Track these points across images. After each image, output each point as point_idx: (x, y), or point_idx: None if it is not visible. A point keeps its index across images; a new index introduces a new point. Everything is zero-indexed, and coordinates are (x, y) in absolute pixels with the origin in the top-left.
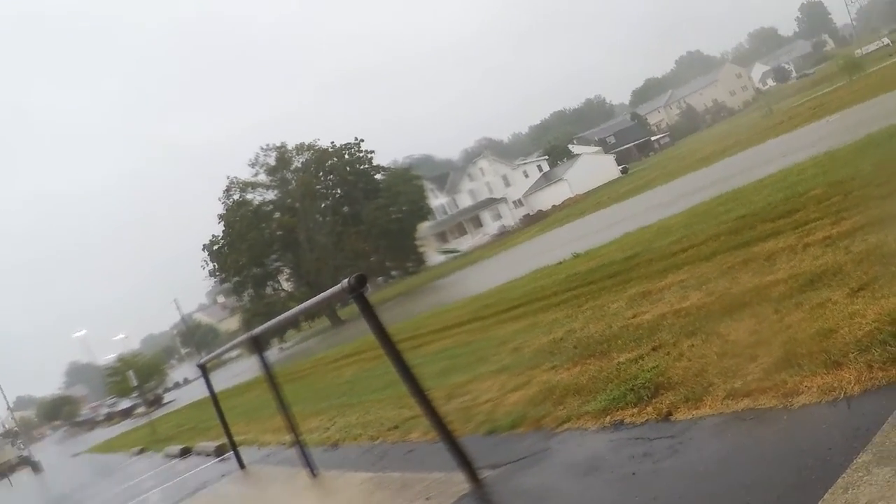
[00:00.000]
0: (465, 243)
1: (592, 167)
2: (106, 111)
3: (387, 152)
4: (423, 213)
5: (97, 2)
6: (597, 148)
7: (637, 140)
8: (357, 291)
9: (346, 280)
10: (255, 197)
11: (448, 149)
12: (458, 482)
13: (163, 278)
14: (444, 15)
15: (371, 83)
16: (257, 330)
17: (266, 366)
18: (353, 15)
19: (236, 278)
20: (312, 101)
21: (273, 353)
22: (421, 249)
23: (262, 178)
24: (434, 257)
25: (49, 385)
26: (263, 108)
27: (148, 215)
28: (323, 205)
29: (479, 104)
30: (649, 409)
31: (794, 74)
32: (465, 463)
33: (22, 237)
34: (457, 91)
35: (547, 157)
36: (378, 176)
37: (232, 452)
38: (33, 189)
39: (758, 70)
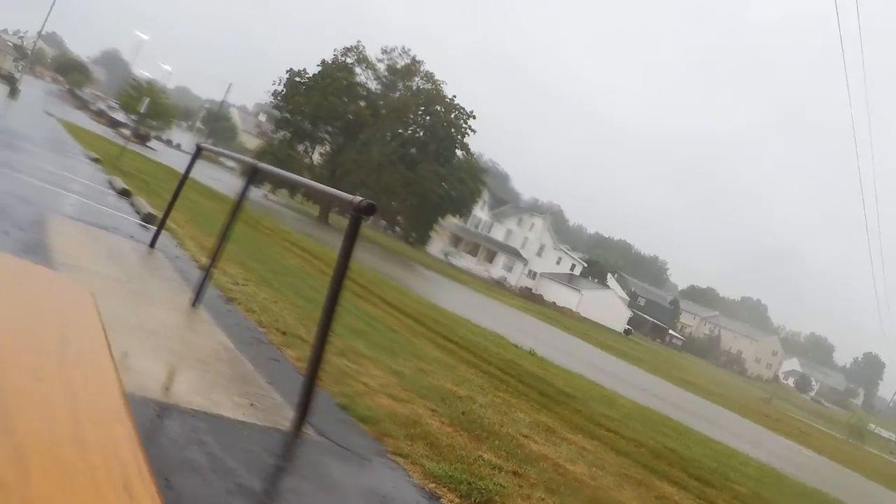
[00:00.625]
0: (464, 263)
1: (608, 305)
2: None
3: (481, 142)
4: (464, 210)
5: None
6: (625, 296)
7: (659, 321)
8: (357, 213)
9: (359, 198)
10: (362, 75)
11: (525, 187)
12: (286, 417)
13: (231, 62)
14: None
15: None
16: (263, 165)
17: (242, 195)
18: None
19: (287, 115)
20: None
21: (256, 193)
22: (433, 232)
23: (382, 67)
24: (436, 248)
25: (82, 47)
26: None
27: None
28: (400, 131)
29: (578, 179)
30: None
31: (812, 394)
32: (303, 408)
33: None
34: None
35: (586, 264)
36: (459, 151)
37: (155, 230)
38: None
39: (790, 364)
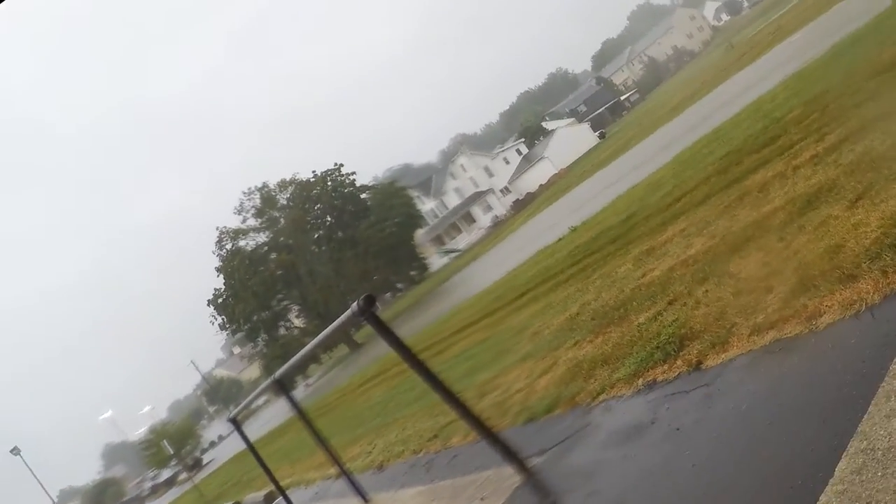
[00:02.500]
0: (462, 241)
1: (570, 140)
2: (67, 207)
3: (366, 171)
4: (416, 221)
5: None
6: (570, 119)
7: (607, 103)
8: (368, 312)
9: (354, 304)
10: (248, 242)
11: (425, 153)
12: (509, 476)
13: (176, 343)
14: (383, 32)
15: (328, 111)
16: (279, 372)
17: (295, 405)
18: (281, 54)
19: (247, 326)
20: (273, 140)
21: (299, 391)
22: (422, 257)
23: (252, 222)
24: (437, 262)
25: (88, 472)
26: (226, 163)
27: (148, 290)
28: (316, 235)
29: (445, 103)
30: (678, 362)
31: (746, 4)
32: (510, 455)
33: (30, 335)
34: (420, 96)
35: (523, 139)
36: (364, 195)
37: (281, 497)
38: (33, 285)
39: (710, 8)
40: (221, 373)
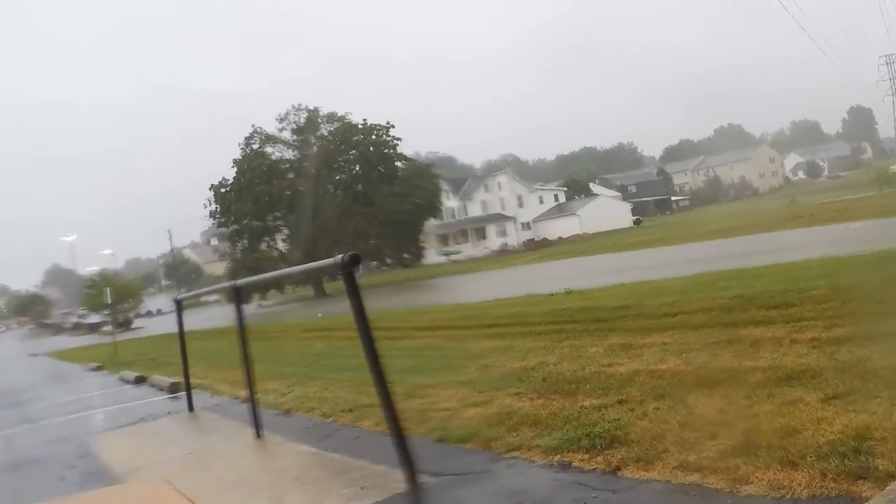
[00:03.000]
0: (465, 250)
1: (607, 210)
2: (127, 34)
3: (411, 144)
4: (434, 210)
5: None
6: (616, 193)
7: (658, 195)
8: (348, 269)
9: (340, 256)
10: (275, 152)
11: (472, 155)
12: (397, 480)
13: (161, 206)
14: (491, 22)
15: (412, 73)
16: (241, 281)
17: (240, 317)
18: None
19: (235, 226)
20: (346, 74)
21: (251, 308)
22: (421, 245)
23: (287, 135)
24: (432, 257)
25: (25, 280)
26: (295, 70)
27: (157, 140)
28: (338, 177)
29: (512, 119)
30: (600, 458)
31: (826, 173)
32: (407, 463)
33: (26, 140)
34: (492, 100)
35: (566, 188)
36: (399, 164)
37: (185, 393)
38: (39, 94)
39: (792, 160)
40: (190, 254)
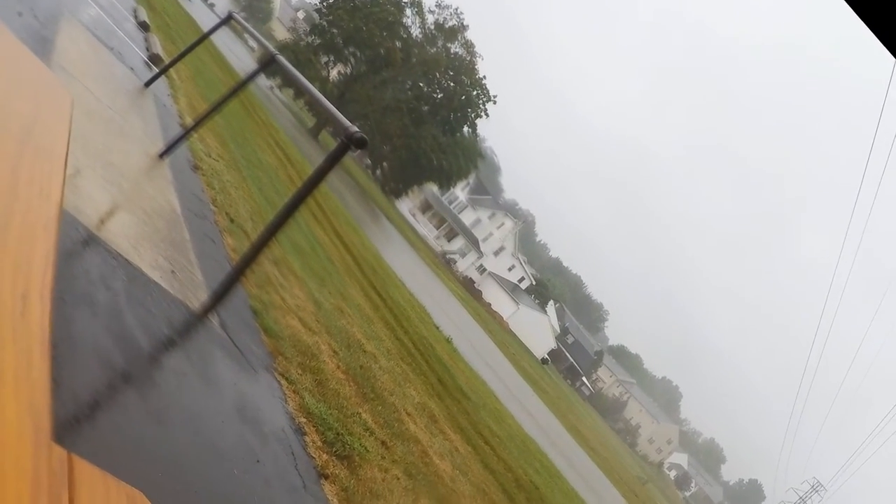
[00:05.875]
0: (425, 231)
1: (537, 329)
2: None
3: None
4: (446, 183)
5: None
6: (557, 328)
7: (577, 363)
8: (348, 143)
9: (357, 130)
10: (408, 18)
11: (515, 186)
12: (198, 297)
13: None
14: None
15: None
16: (282, 58)
17: (251, 77)
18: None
19: (324, 22)
20: None
21: (264, 82)
22: (409, 192)
23: (429, 19)
24: (405, 205)
25: None
26: None
27: None
28: (421, 84)
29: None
30: (337, 449)
31: (688, 493)
32: (217, 298)
33: None
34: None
35: (535, 282)
36: (466, 128)
37: (156, 72)
38: None
39: (677, 458)
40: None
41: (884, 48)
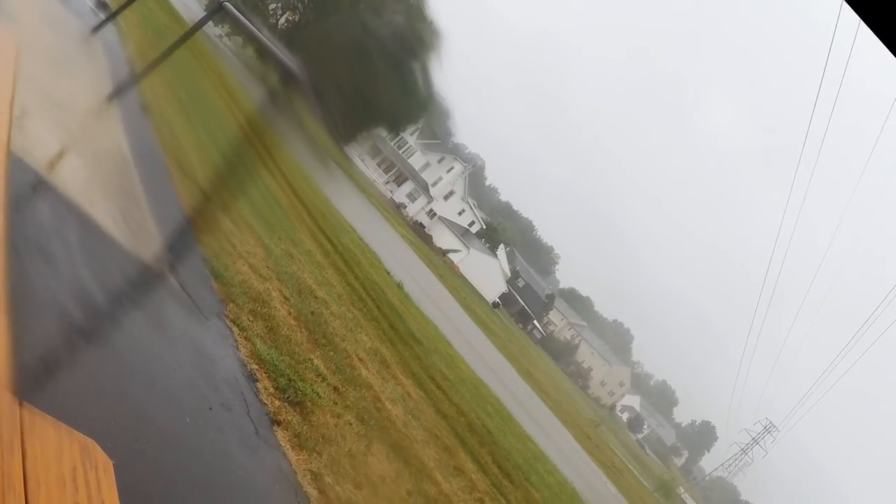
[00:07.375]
0: (374, 175)
1: (488, 273)
2: None
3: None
4: (396, 127)
5: None
6: (508, 272)
7: (528, 307)
8: (291, 83)
9: (298, 69)
10: None
11: (464, 129)
12: (151, 246)
13: None
14: None
15: None
16: (230, 6)
17: (200, 24)
18: None
19: None
20: None
21: (213, 30)
22: (359, 138)
23: None
24: (355, 151)
25: None
26: None
27: None
28: (368, 25)
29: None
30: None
31: (640, 435)
32: (169, 248)
33: None
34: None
35: (485, 226)
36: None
37: (104, 19)
38: None
39: (629, 400)
40: None
41: None
